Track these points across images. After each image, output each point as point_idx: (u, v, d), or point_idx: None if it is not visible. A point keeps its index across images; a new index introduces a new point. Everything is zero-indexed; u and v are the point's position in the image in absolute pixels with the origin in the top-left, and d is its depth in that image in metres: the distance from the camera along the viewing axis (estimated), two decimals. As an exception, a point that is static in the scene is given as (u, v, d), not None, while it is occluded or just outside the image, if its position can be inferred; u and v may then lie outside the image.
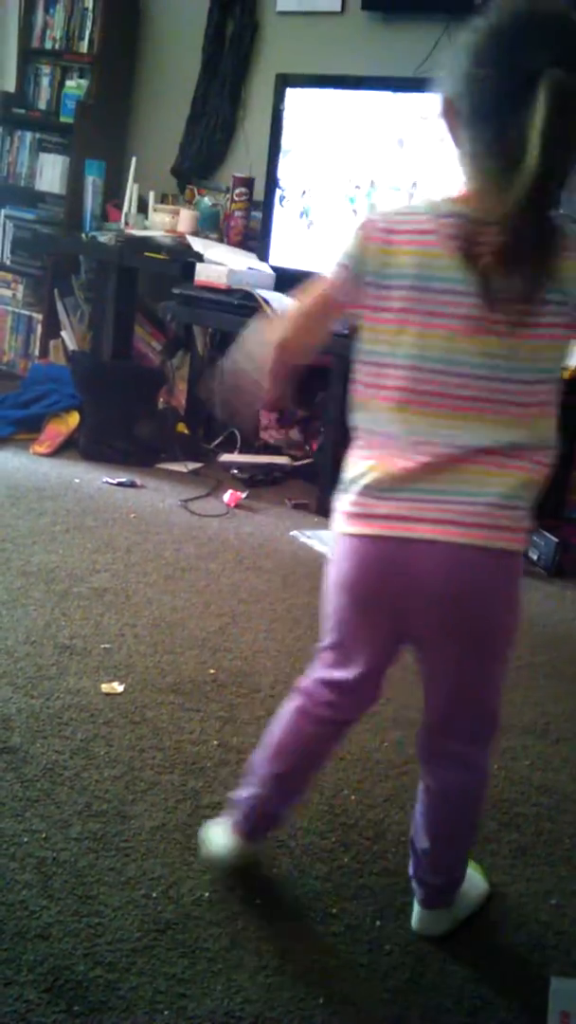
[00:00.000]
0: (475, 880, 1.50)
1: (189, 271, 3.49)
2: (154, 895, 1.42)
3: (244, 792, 1.44)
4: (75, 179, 4.07)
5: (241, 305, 3.30)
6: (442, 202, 1.20)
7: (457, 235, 1.16)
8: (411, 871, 1.43)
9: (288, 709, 1.40)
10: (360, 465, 1.26)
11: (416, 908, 1.43)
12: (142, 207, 3.93)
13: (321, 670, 1.37)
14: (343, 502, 1.28)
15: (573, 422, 3.30)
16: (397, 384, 1.22)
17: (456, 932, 1.43)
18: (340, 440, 3.20)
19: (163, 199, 4.03)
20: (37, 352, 4.28)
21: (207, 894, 1.44)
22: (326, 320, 1.34)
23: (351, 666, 1.33)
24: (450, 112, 1.18)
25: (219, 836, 1.45)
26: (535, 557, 2.96)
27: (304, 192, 3.49)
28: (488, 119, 1.14)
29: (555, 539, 2.91)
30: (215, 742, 1.82)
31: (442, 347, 1.19)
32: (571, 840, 1.69)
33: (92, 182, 3.95)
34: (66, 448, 3.51)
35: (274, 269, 3.54)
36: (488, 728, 1.36)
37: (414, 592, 1.24)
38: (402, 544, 1.22)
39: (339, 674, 1.34)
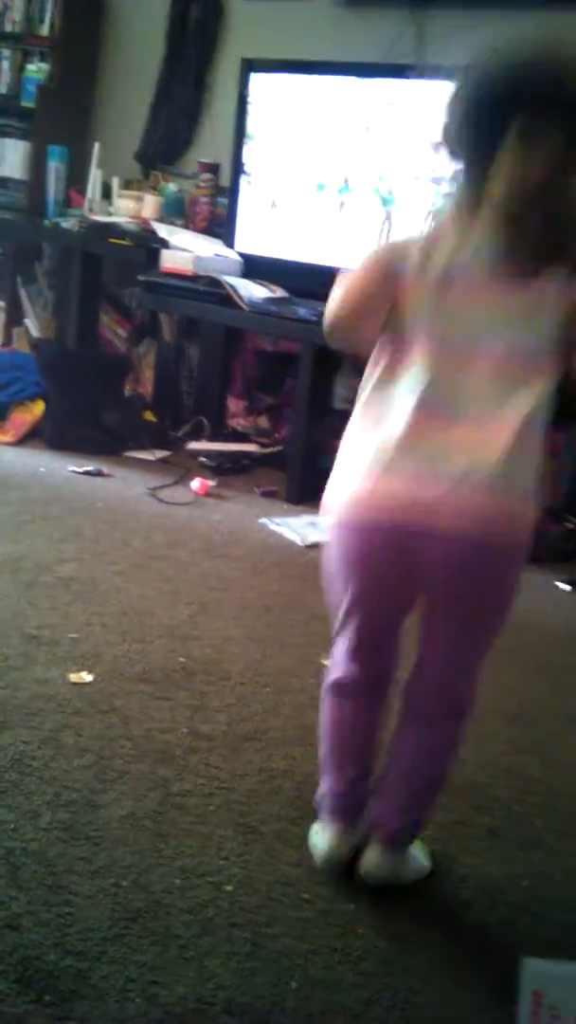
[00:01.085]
0: (421, 856, 1.53)
1: (154, 258, 3.46)
2: (124, 884, 1.41)
3: (323, 787, 1.51)
4: (37, 165, 4.01)
5: (207, 292, 3.28)
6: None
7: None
8: (373, 816, 1.47)
9: (325, 693, 1.49)
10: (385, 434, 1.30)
11: (370, 849, 1.46)
12: (106, 193, 3.89)
13: (342, 649, 1.45)
14: (349, 487, 1.34)
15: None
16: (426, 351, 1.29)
17: (430, 914, 1.44)
18: (308, 427, 3.20)
19: (127, 185, 3.98)
20: (0, 340, 4.22)
21: (178, 881, 1.43)
22: (380, 289, 1.33)
23: (367, 643, 1.43)
24: (447, 142, 1.29)
25: (319, 837, 1.50)
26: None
27: (271, 179, 3.47)
28: (467, 168, 1.26)
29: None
30: (185, 730, 1.81)
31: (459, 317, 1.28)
32: (542, 823, 1.70)
33: (55, 168, 3.91)
34: (31, 437, 3.47)
35: (241, 255, 3.52)
36: (467, 702, 1.45)
37: (423, 573, 1.32)
38: (411, 533, 1.28)
39: (358, 651, 1.43)
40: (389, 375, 1.33)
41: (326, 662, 2.03)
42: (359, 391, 1.38)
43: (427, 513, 1.27)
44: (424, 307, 1.29)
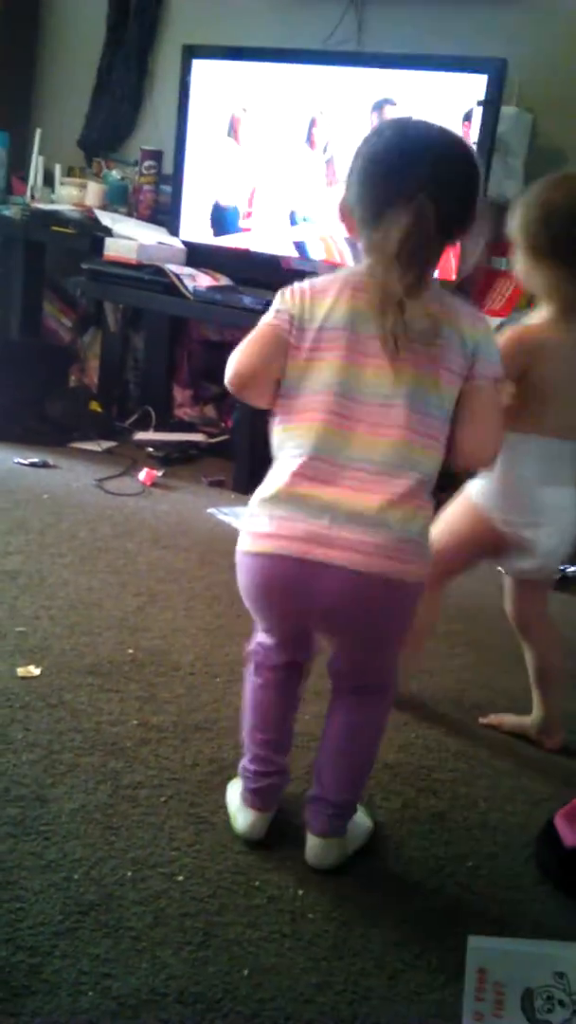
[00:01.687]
0: (362, 818, 1.60)
1: (98, 246, 3.43)
2: (76, 877, 1.41)
3: (243, 762, 1.58)
4: (-23, 151, 3.94)
5: (152, 280, 3.26)
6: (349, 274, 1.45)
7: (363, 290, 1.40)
8: (310, 798, 1.54)
9: (247, 672, 1.59)
10: (273, 487, 1.41)
11: (311, 841, 1.52)
12: (48, 180, 3.84)
13: (259, 635, 1.57)
14: (252, 521, 1.43)
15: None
16: (317, 411, 1.39)
17: (378, 898, 1.46)
18: (255, 416, 3.20)
19: (70, 172, 3.94)
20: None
21: (129, 873, 1.44)
22: (278, 353, 1.44)
23: (279, 636, 1.53)
24: (346, 216, 1.47)
25: (240, 816, 1.56)
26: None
27: (215, 166, 3.45)
28: (368, 226, 1.42)
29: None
30: (135, 722, 1.81)
31: (357, 378, 1.39)
32: (486, 803, 1.73)
33: (-5, 154, 3.84)
34: (-25, 428, 3.42)
35: (185, 244, 3.50)
36: (386, 682, 1.55)
37: (315, 605, 1.40)
38: (304, 565, 1.37)
39: (271, 639, 1.54)
40: (285, 429, 1.44)
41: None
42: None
43: (322, 546, 1.36)
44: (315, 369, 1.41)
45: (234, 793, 1.60)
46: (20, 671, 1.92)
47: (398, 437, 1.37)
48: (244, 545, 1.44)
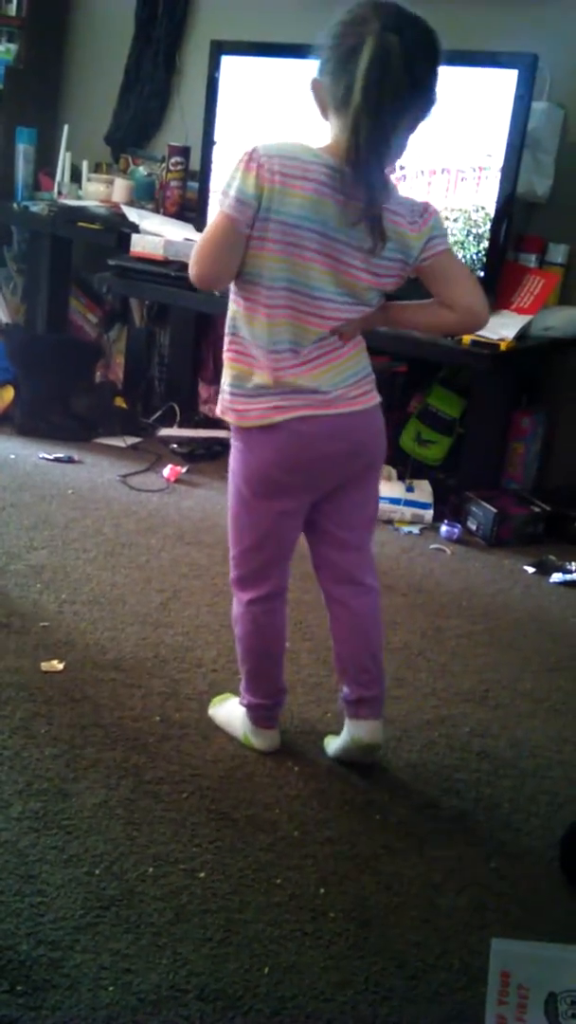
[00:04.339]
0: None
1: (124, 242, 3.43)
2: (97, 872, 1.41)
3: (248, 699, 1.76)
4: (5, 147, 3.95)
5: (178, 276, 3.26)
6: (319, 151, 1.52)
7: (331, 184, 1.50)
8: (350, 697, 1.72)
9: (244, 624, 1.74)
10: (256, 373, 1.60)
11: (361, 725, 1.71)
12: (75, 176, 3.85)
13: (244, 595, 1.72)
14: (256, 405, 1.61)
15: (509, 393, 3.35)
16: (275, 303, 1.55)
17: (400, 897, 1.46)
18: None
19: (97, 168, 3.94)
20: (-31, 325, 4.18)
21: (150, 869, 1.44)
22: (237, 247, 1.54)
23: (274, 565, 1.70)
24: (318, 89, 1.53)
25: (257, 738, 1.77)
26: (474, 527, 2.99)
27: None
28: (336, 76, 1.48)
29: (493, 509, 2.94)
30: (157, 718, 1.82)
31: (309, 276, 1.53)
32: (510, 804, 1.72)
33: (23, 150, 3.85)
34: (1, 423, 3.44)
35: (211, 240, 3.49)
36: (372, 583, 1.75)
37: (337, 451, 1.61)
38: (324, 420, 1.59)
39: (264, 574, 1.70)
40: (257, 310, 1.58)
41: (296, 648, 2.05)
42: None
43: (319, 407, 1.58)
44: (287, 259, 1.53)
45: (228, 711, 1.83)
46: (44, 666, 1.93)
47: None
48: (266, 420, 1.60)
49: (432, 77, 1.50)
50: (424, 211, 1.55)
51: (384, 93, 1.43)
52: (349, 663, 1.74)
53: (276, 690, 1.76)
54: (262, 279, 1.54)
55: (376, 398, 1.65)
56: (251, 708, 1.75)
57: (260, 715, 1.75)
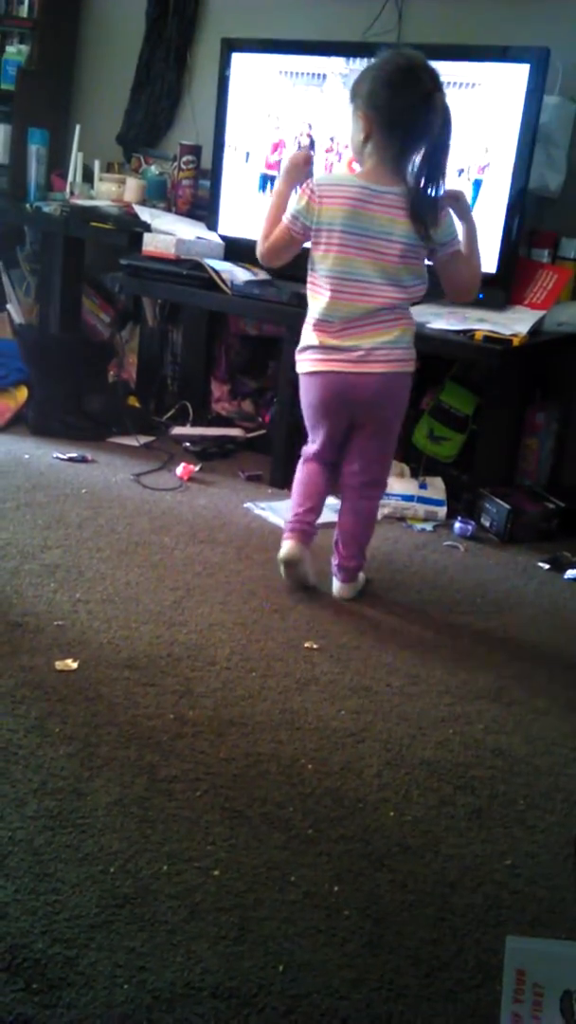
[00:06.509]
0: (362, 576, 2.46)
1: (137, 241, 3.43)
2: (112, 870, 1.42)
3: (289, 516, 2.40)
4: (18, 148, 3.97)
5: (190, 275, 3.26)
6: (353, 176, 2.24)
7: (363, 199, 2.18)
8: (336, 566, 2.40)
9: (299, 465, 2.44)
10: (312, 336, 2.28)
11: (337, 586, 2.40)
12: (87, 176, 3.86)
13: (309, 444, 2.42)
14: (306, 357, 2.32)
15: (523, 389, 3.34)
16: (331, 286, 2.24)
17: (415, 894, 1.45)
18: (292, 411, 3.19)
19: (109, 168, 3.95)
20: (-17, 326, 4.19)
21: (165, 867, 1.44)
22: (292, 247, 2.31)
23: (325, 435, 2.37)
24: (368, 120, 2.16)
25: (283, 546, 2.36)
26: (487, 524, 2.98)
27: (253, 160, 3.44)
28: (394, 122, 2.14)
29: (507, 506, 2.93)
30: (171, 716, 1.82)
31: (351, 265, 2.21)
32: (525, 801, 1.71)
33: (35, 151, 3.87)
34: (15, 423, 3.46)
35: (223, 238, 3.50)
36: (383, 475, 2.44)
37: (359, 397, 2.26)
38: (349, 376, 2.26)
39: (318, 444, 2.39)
40: (317, 291, 2.32)
41: (310, 645, 2.06)
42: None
43: (358, 364, 2.24)
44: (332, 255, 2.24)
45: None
46: (58, 664, 1.94)
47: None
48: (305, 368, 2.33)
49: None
50: (441, 209, 2.19)
51: (445, 143, 2.16)
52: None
53: (304, 516, 2.38)
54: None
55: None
56: (287, 522, 2.39)
57: (289, 526, 2.38)
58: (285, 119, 3.35)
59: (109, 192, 3.77)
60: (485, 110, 2.93)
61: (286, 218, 2.23)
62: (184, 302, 3.58)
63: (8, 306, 4.17)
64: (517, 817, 1.67)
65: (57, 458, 3.19)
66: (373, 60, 2.18)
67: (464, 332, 2.87)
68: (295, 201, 2.22)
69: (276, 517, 2.86)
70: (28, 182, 3.88)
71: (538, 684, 2.13)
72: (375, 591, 2.49)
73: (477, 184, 2.99)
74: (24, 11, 4.03)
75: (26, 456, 3.17)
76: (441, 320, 2.94)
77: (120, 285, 3.62)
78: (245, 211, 3.47)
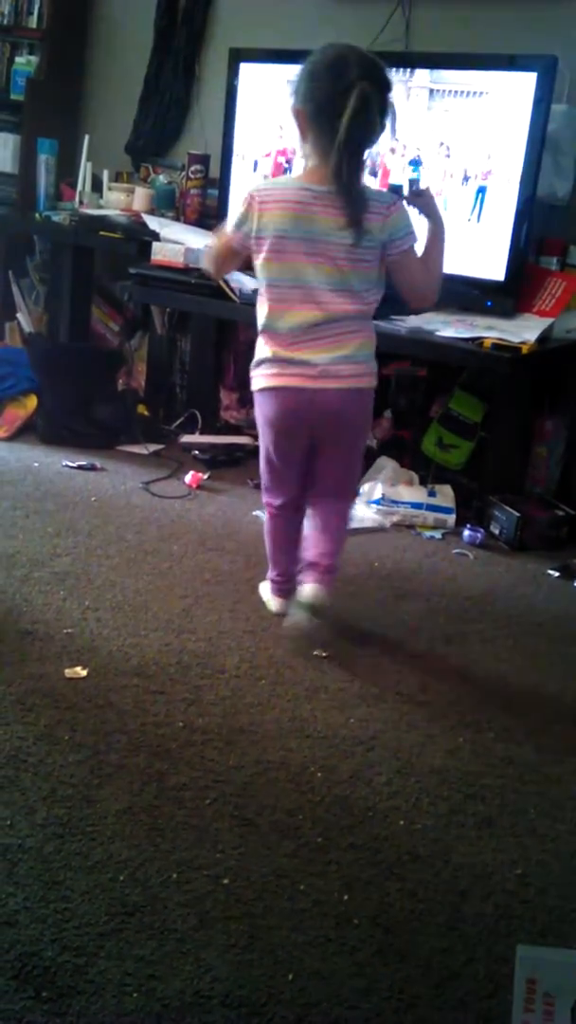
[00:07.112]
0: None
1: (146, 250, 3.45)
2: (121, 878, 1.42)
3: (270, 574, 2.35)
4: (27, 158, 3.99)
5: (199, 284, 3.27)
6: (295, 179, 2.16)
7: (305, 201, 2.04)
8: (307, 563, 2.18)
9: (266, 521, 2.34)
10: (265, 349, 2.14)
11: (307, 588, 2.13)
12: (96, 186, 3.88)
13: (266, 497, 2.31)
14: (260, 372, 2.16)
15: (532, 397, 3.34)
16: (273, 296, 2.12)
17: (425, 903, 1.45)
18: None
19: (117, 177, 3.97)
20: (-7, 335, 4.21)
21: (174, 875, 1.44)
22: (234, 258, 2.24)
23: (284, 483, 2.26)
24: (300, 116, 2.04)
25: (272, 603, 2.34)
26: (497, 531, 2.98)
27: (260, 168, 3.46)
28: (321, 115, 1.98)
29: (516, 514, 2.92)
30: (180, 724, 1.82)
31: (296, 271, 2.07)
32: (535, 810, 1.71)
33: (44, 161, 3.89)
34: (25, 432, 3.46)
35: (231, 247, 3.50)
36: (352, 488, 2.35)
37: (317, 415, 2.12)
38: (305, 391, 2.11)
39: (277, 493, 2.27)
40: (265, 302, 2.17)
41: (319, 653, 2.05)
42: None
43: (317, 380, 2.09)
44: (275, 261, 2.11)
45: (265, 589, 2.39)
46: (67, 672, 1.94)
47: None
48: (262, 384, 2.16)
49: (387, 108, 2.01)
50: (391, 204, 2.07)
51: (364, 134, 1.98)
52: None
53: (286, 571, 2.30)
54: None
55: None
56: (271, 581, 2.34)
57: (275, 586, 2.33)
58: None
59: (118, 201, 3.79)
60: (493, 119, 2.93)
61: (229, 228, 2.16)
62: (193, 310, 3.59)
63: (18, 315, 4.19)
64: (528, 826, 1.66)
65: (66, 466, 3.19)
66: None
67: (473, 340, 2.87)
68: (236, 210, 2.14)
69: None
70: (37, 192, 3.90)
71: (548, 692, 2.12)
72: (384, 599, 2.49)
73: (482, 191, 3.00)
74: (33, 22, 4.06)
75: (36, 464, 3.18)
76: (450, 328, 2.94)
77: (129, 294, 3.63)
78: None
